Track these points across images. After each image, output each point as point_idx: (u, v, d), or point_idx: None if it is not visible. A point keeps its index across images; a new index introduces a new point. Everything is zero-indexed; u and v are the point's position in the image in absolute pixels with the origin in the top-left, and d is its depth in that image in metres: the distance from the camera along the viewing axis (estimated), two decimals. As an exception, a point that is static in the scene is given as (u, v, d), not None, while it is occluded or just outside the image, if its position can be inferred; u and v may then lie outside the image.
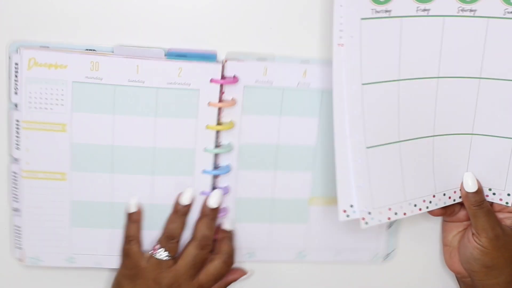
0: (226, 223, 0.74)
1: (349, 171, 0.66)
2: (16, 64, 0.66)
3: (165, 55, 0.68)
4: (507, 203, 0.73)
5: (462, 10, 0.66)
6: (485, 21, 0.67)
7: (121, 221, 0.74)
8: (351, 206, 0.67)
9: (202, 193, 0.73)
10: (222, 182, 0.74)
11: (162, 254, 0.71)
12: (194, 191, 0.72)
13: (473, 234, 0.73)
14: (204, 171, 0.72)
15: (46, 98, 0.67)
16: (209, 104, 0.69)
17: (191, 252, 0.71)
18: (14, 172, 0.71)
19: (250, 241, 0.77)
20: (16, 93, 0.67)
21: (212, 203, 0.72)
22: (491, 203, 0.74)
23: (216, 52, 0.68)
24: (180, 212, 0.72)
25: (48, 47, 0.67)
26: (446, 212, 0.74)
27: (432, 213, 0.74)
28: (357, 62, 0.64)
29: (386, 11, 0.64)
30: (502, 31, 0.67)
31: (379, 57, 0.65)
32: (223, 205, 0.74)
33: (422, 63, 0.67)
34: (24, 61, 0.66)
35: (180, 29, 0.69)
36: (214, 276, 0.72)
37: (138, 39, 0.68)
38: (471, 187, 0.72)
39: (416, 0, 0.65)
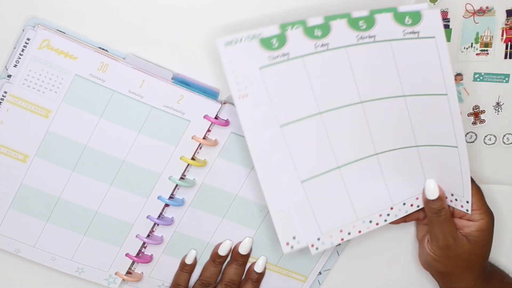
0: (258, 266, 0.78)
1: (284, 207, 0.68)
2: (28, 39, 0.67)
3: (172, 78, 0.70)
4: (467, 210, 0.72)
5: (361, 38, 0.65)
6: (388, 44, 0.66)
7: (60, 218, 0.74)
8: (294, 237, 0.70)
9: (148, 217, 0.75)
10: (170, 212, 0.76)
11: None
12: (232, 243, 0.77)
13: (428, 240, 0.75)
14: (160, 197, 0.74)
15: (43, 81, 0.68)
16: (193, 137, 0.72)
17: None
18: (-26, 137, 0.70)
19: (169, 274, 0.79)
20: (15, 66, 0.67)
21: (243, 250, 0.76)
22: (453, 209, 0.74)
23: (219, 91, 0.72)
24: (217, 261, 0.77)
25: (64, 33, 0.68)
26: (407, 220, 0.75)
27: (392, 222, 0.74)
28: (268, 107, 0.65)
29: (284, 54, 0.63)
30: (407, 51, 0.66)
31: (291, 97, 0.66)
32: (160, 234, 0.77)
33: (340, 93, 0.67)
34: (37, 39, 0.67)
35: (193, 56, 0.72)
36: None
37: (150, 53, 0.71)
38: (431, 194, 0.72)
39: (311, 38, 0.64)
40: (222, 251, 0.76)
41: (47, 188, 0.72)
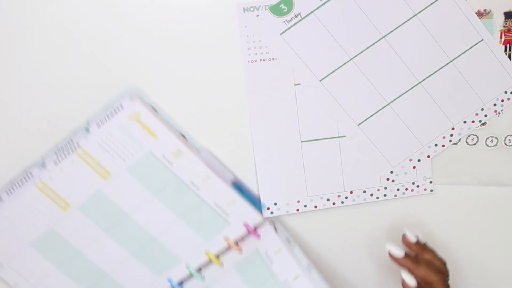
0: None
1: (274, 170, 0.75)
2: (121, 106, 0.69)
3: (231, 181, 0.75)
4: (431, 190, 0.78)
5: None
6: None
7: (71, 270, 0.75)
8: (275, 204, 0.76)
9: (150, 292, 0.78)
10: (170, 295, 0.79)
11: None
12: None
13: None
14: (169, 280, 0.78)
15: (117, 146, 0.70)
16: (226, 239, 0.76)
17: None
18: (31, 174, 0.71)
19: None
20: (98, 126, 0.70)
21: (399, 251, 0.73)
22: None
23: (265, 203, 0.77)
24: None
25: (155, 109, 0.72)
26: None
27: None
28: (301, 67, 0.72)
29: (296, 15, 0.70)
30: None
31: (320, 51, 0.72)
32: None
33: (361, 34, 0.72)
34: (129, 110, 0.70)
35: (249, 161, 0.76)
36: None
37: (216, 148, 0.75)
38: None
39: None
40: (397, 252, 0.74)
41: (73, 240, 0.74)
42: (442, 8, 0.72)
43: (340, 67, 0.72)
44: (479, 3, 0.73)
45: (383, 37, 0.72)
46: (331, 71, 0.72)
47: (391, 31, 0.72)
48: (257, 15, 0.70)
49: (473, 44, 0.74)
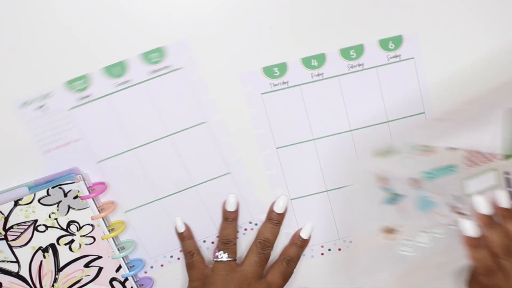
0: (304, 232, 0.77)
1: None
2: None
3: (29, 189, 0.69)
4: None
5: (351, 67, 0.71)
6: (374, 70, 0.71)
7: None
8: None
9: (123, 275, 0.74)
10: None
11: (223, 256, 0.73)
12: (237, 197, 0.75)
13: None
14: (123, 275, 0.74)
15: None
16: (92, 218, 0.71)
17: (254, 251, 0.75)
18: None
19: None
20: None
21: (278, 209, 0.75)
22: None
23: (76, 169, 0.71)
24: (229, 218, 0.75)
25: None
26: None
27: None
28: (267, 129, 0.72)
29: (284, 82, 0.71)
30: (390, 75, 0.71)
31: (288, 122, 0.72)
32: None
33: (332, 121, 0.72)
34: None
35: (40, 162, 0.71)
36: (279, 275, 0.74)
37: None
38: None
39: (308, 68, 0.71)
40: (230, 207, 0.75)
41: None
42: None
43: (298, 143, 0.73)
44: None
45: (350, 130, 0.73)
46: (289, 144, 0.73)
47: (360, 128, 0.73)
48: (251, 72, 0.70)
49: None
